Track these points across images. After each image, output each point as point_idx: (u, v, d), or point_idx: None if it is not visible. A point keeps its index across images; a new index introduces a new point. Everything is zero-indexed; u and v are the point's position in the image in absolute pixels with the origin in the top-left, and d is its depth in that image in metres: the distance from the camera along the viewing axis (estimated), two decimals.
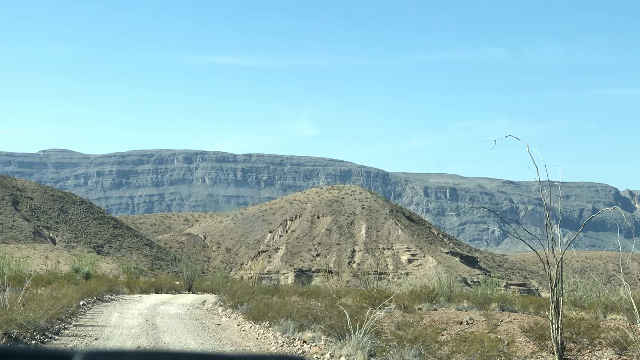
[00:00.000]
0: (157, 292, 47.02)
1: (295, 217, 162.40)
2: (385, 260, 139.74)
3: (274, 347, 18.69)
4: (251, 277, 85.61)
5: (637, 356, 15.13)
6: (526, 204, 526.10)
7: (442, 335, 18.85)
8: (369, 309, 19.61)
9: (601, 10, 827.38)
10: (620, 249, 17.42)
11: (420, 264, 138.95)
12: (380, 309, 21.77)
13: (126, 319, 25.06)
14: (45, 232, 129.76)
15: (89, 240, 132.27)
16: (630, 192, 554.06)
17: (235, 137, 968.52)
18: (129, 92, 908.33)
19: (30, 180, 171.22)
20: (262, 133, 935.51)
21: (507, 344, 16.90)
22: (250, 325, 23.41)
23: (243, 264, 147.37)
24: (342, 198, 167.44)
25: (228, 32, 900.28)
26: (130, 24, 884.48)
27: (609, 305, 25.89)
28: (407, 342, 15.36)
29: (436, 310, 28.15)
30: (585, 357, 16.41)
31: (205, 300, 36.01)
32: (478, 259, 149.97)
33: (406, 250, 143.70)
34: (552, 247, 15.55)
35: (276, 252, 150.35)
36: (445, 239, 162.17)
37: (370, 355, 15.81)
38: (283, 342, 19.16)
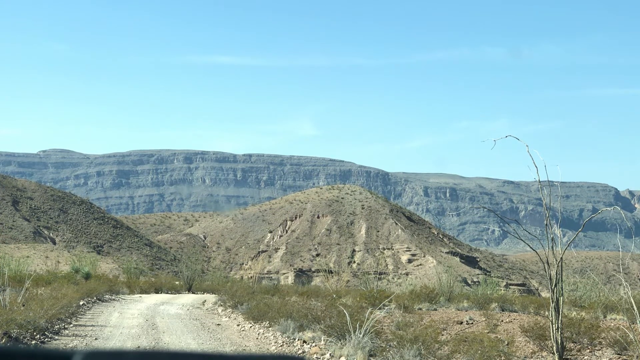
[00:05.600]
0: (157, 292, 47.01)
1: (295, 217, 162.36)
2: (385, 260, 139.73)
3: (274, 347, 18.69)
4: (251, 277, 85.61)
5: (637, 356, 15.13)
6: (526, 204, 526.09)
7: (442, 335, 18.85)
8: (369, 309, 19.61)
9: (601, 10, 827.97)
10: (620, 249, 17.41)
11: (420, 264, 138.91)
12: (380, 309, 21.78)
13: (126, 319, 25.06)
14: (45, 232, 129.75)
15: (89, 240, 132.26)
16: (630, 192, 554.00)
17: (235, 137, 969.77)
18: (129, 92, 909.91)
19: (30, 180, 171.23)
20: (262, 133, 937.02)
21: (507, 344, 16.91)
22: (250, 325, 23.40)
23: (243, 264, 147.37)
24: (342, 198, 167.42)
25: (228, 32, 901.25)
26: (130, 23, 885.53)
27: (609, 305, 25.90)
28: (407, 342, 15.36)
29: (436, 310, 28.13)
30: (585, 357, 16.41)
31: (205, 300, 35.99)
32: (478, 259, 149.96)
33: (406, 250, 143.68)
34: (552, 247, 15.55)
35: (276, 252, 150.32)
36: (445, 239, 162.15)
37: (371, 355, 15.80)
38: (283, 342, 19.16)
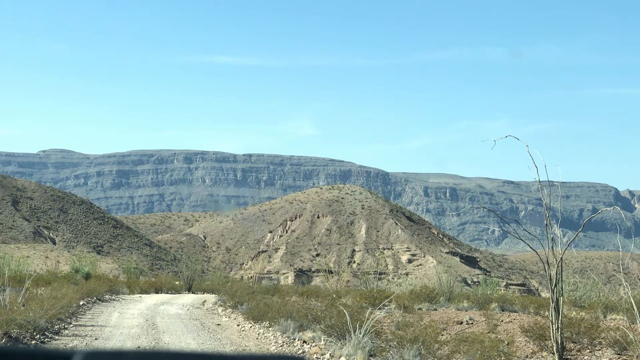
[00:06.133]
0: (157, 292, 47.02)
1: (295, 217, 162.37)
2: (385, 260, 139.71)
3: (274, 347, 18.69)
4: (251, 277, 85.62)
5: (637, 356, 15.13)
6: (526, 204, 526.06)
7: (442, 335, 18.84)
8: (369, 309, 19.62)
9: (601, 10, 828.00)
10: (620, 249, 17.42)
11: (420, 264, 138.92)
12: (380, 309, 21.79)
13: (126, 319, 25.05)
14: (45, 232, 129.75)
15: (89, 240, 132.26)
16: (630, 192, 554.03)
17: (235, 137, 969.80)
18: (129, 92, 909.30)
19: (30, 180, 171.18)
20: (262, 133, 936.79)
21: (507, 344, 16.90)
22: (250, 325, 23.40)
23: (243, 264, 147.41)
24: (342, 198, 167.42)
25: (228, 32, 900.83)
26: (130, 23, 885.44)
27: (609, 305, 25.90)
28: (407, 342, 15.36)
29: (436, 310, 28.13)
30: (585, 357, 16.40)
31: (205, 300, 36.00)
32: (478, 259, 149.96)
33: (406, 250, 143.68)
34: (552, 247, 15.55)
35: (276, 252, 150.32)
36: (445, 239, 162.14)
37: (371, 355, 15.80)
38: (283, 342, 19.16)
